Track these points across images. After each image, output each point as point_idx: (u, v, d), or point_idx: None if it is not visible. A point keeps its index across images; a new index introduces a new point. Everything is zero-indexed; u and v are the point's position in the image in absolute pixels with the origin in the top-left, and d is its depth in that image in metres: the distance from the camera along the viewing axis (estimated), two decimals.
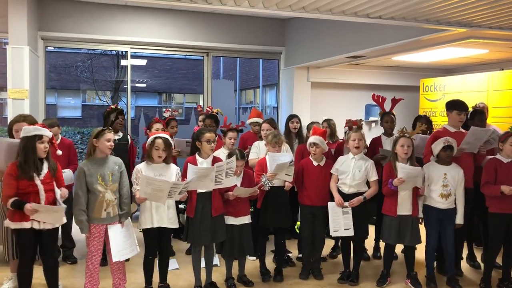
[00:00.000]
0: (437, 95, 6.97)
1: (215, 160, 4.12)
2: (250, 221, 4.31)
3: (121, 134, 5.04)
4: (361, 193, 4.31)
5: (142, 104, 19.87)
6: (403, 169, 4.09)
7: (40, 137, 3.52)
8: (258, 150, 5.01)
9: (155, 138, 3.88)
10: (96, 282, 3.77)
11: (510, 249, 4.26)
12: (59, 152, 3.86)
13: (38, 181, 3.47)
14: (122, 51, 8.14)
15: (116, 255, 3.68)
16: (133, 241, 3.79)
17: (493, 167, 4.14)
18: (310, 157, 4.49)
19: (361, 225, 4.36)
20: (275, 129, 4.95)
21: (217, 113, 5.60)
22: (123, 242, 3.72)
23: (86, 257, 3.77)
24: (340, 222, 4.28)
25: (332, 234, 4.32)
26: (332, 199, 4.36)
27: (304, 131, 5.49)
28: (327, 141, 5.21)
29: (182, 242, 5.17)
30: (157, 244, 3.99)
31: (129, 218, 3.84)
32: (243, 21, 7.58)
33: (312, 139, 4.40)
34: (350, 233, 4.27)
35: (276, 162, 4.21)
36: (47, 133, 3.58)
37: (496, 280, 4.33)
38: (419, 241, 4.31)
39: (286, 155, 4.35)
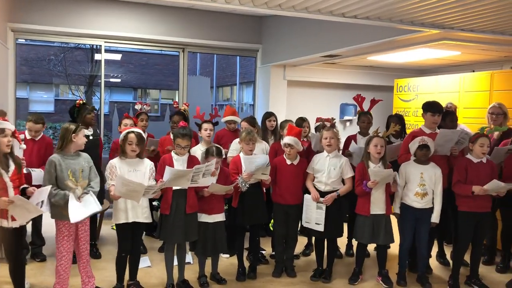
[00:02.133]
0: (411, 95, 7.08)
1: (191, 158, 4.09)
2: (224, 219, 4.28)
3: (92, 130, 4.93)
4: (337, 191, 4.33)
5: (117, 99, 19.56)
6: (374, 173, 4.12)
7: (1, 130, 3.41)
8: (237, 147, 4.98)
9: (128, 132, 3.83)
10: (65, 281, 3.69)
11: (478, 247, 4.36)
12: (23, 146, 3.75)
13: (7, 178, 3.38)
14: (96, 45, 7.99)
15: (73, 216, 3.44)
16: (95, 204, 3.59)
17: (464, 167, 4.21)
18: (284, 155, 4.49)
19: (336, 224, 4.39)
20: (254, 127, 4.93)
21: (184, 110, 5.54)
22: (80, 206, 3.51)
23: (55, 256, 3.68)
24: (312, 215, 4.31)
25: (304, 224, 4.35)
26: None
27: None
28: (301, 140, 5.24)
29: (155, 240, 5.13)
30: (130, 240, 3.93)
31: (94, 196, 3.64)
32: (220, 18, 7.54)
33: (287, 139, 4.39)
34: (320, 228, 4.29)
35: (252, 164, 4.18)
36: (8, 126, 3.47)
37: (464, 277, 4.43)
38: (392, 240, 4.36)
39: (261, 157, 4.31)
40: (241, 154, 4.43)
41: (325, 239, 4.49)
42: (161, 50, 8.38)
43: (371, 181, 4.11)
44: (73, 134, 3.62)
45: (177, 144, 3.97)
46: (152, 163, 3.97)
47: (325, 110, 7.76)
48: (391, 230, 4.32)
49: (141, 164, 3.87)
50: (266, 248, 5.15)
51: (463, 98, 6.08)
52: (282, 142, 4.51)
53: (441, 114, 4.59)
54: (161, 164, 3.94)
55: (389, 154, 4.45)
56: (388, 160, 4.37)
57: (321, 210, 4.28)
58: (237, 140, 5.07)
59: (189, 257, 4.77)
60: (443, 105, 5.34)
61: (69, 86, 18.23)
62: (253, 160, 4.22)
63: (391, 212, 4.33)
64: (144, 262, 4.66)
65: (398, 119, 5.26)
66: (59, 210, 3.55)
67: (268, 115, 5.64)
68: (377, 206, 4.24)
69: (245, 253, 4.97)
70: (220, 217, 4.23)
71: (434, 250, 4.94)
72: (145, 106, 5.57)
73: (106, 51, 7.42)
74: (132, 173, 3.76)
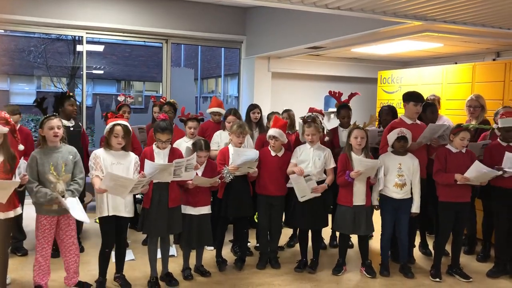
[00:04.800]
0: (394, 87, 7.12)
1: (173, 151, 4.05)
2: (210, 211, 4.27)
3: (73, 122, 4.84)
4: (322, 181, 4.36)
5: (100, 91, 19.33)
6: (360, 162, 4.15)
7: None
8: (219, 140, 4.96)
9: (114, 125, 3.75)
10: (45, 275, 3.65)
11: (459, 237, 4.42)
12: (21, 147, 3.64)
13: None
14: (78, 36, 7.86)
15: (81, 217, 3.50)
16: (81, 212, 3.57)
17: (444, 156, 4.27)
18: (268, 147, 4.49)
19: (320, 215, 4.42)
20: (240, 119, 4.91)
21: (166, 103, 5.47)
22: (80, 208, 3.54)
23: (35, 249, 3.63)
24: (306, 188, 4.25)
25: (300, 199, 4.27)
26: (288, 193, 4.42)
27: (265, 121, 5.48)
28: (286, 132, 5.23)
29: (138, 233, 5.08)
30: (114, 235, 3.88)
31: (76, 198, 3.63)
32: (204, 9, 7.47)
33: (271, 132, 4.39)
34: (318, 194, 4.28)
35: (241, 157, 4.16)
36: None
37: (446, 267, 4.49)
38: (372, 230, 4.43)
39: (251, 152, 4.29)
40: (230, 146, 4.41)
41: (310, 231, 4.51)
42: (144, 42, 8.30)
43: (355, 171, 4.14)
44: (40, 129, 3.57)
45: (158, 139, 3.93)
46: (137, 157, 3.92)
47: (310, 102, 7.75)
48: (371, 221, 4.37)
49: (125, 157, 3.81)
50: (251, 240, 5.15)
51: (446, 90, 6.14)
52: (267, 135, 4.50)
53: (423, 103, 4.63)
54: (143, 157, 3.89)
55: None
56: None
57: (311, 180, 4.24)
58: (219, 132, 5.06)
59: (173, 250, 4.75)
60: (427, 96, 5.40)
61: (50, 78, 17.95)
62: (242, 153, 4.20)
63: (370, 203, 4.36)
64: (128, 255, 4.61)
65: (389, 110, 5.26)
66: (43, 207, 3.53)
67: (253, 107, 5.62)
68: (359, 197, 4.28)
69: (229, 245, 5.00)
70: (205, 210, 4.22)
71: (417, 240, 5.00)
72: (128, 98, 5.50)
73: (88, 42, 7.32)
74: (115, 166, 3.70)
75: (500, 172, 4.13)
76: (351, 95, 5.25)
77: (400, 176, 4.31)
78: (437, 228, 4.54)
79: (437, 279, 4.33)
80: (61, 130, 3.63)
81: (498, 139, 4.44)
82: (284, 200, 4.51)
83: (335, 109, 8.21)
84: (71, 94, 4.86)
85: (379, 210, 4.48)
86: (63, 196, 3.51)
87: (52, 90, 18.14)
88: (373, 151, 4.62)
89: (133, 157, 3.85)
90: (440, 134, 4.54)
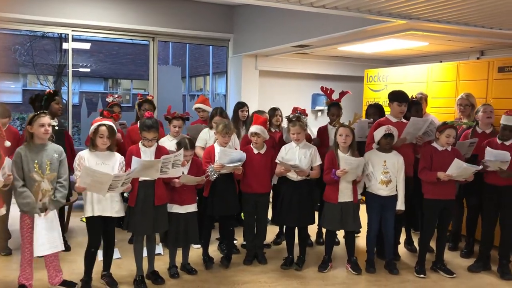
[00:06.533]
0: (380, 85, 7.16)
1: (159, 149, 4.04)
2: (196, 209, 4.27)
3: (57, 121, 4.80)
4: (309, 180, 4.40)
5: (87, 89, 19.15)
6: (346, 160, 4.18)
7: None
8: (207, 137, 4.94)
9: (99, 125, 3.73)
10: (29, 275, 3.63)
11: (443, 233, 4.48)
12: (7, 143, 3.62)
13: None
14: (64, 34, 7.79)
15: (37, 249, 3.47)
16: (57, 236, 3.57)
17: (429, 154, 4.32)
18: (251, 145, 4.50)
19: (307, 212, 4.44)
20: (227, 119, 4.91)
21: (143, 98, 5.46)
22: (46, 235, 3.50)
23: (20, 249, 3.61)
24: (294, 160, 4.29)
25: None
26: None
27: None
28: (274, 130, 5.26)
29: (124, 232, 5.05)
30: (100, 235, 3.87)
31: (55, 211, 3.61)
32: (191, 6, 7.46)
33: (253, 128, 4.41)
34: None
35: (227, 157, 4.16)
36: None
37: (430, 263, 4.55)
38: (360, 226, 4.47)
39: (237, 153, 4.28)
40: (216, 145, 4.41)
41: (296, 228, 4.54)
42: (131, 39, 8.25)
43: (341, 169, 4.16)
44: (29, 126, 3.54)
45: (144, 137, 3.92)
46: (123, 157, 3.90)
47: (297, 100, 7.79)
48: (358, 217, 4.41)
49: (111, 157, 3.79)
50: (238, 237, 5.16)
51: (431, 88, 6.19)
52: (249, 132, 4.52)
53: (407, 103, 4.67)
54: (129, 155, 3.88)
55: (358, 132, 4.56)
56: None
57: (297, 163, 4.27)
58: (206, 130, 5.04)
59: (160, 248, 4.74)
60: (414, 94, 5.44)
61: (37, 76, 17.76)
62: (228, 153, 4.20)
63: (357, 199, 4.39)
64: (114, 253, 4.59)
65: (376, 108, 5.30)
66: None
67: (241, 105, 5.62)
68: (345, 194, 4.31)
69: (216, 243, 5.01)
70: (192, 208, 4.22)
71: (402, 237, 5.05)
72: (116, 98, 5.49)
73: (75, 40, 7.28)
74: (100, 166, 3.67)
75: (481, 167, 4.19)
76: (342, 94, 5.29)
77: (386, 173, 4.35)
78: (422, 225, 4.59)
79: (422, 275, 4.38)
80: (51, 127, 3.61)
81: (497, 137, 4.46)
82: (268, 197, 4.53)
83: (322, 107, 8.28)
84: (56, 92, 4.82)
85: (365, 207, 4.52)
86: (46, 209, 3.51)
87: (38, 88, 17.95)
88: (364, 145, 4.66)
89: (118, 157, 3.84)
90: (424, 130, 4.59)
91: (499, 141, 4.40)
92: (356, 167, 4.21)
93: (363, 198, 4.57)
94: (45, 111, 3.73)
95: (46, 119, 3.57)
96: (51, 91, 4.80)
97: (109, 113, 4.80)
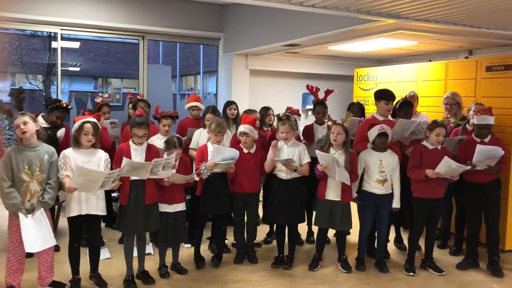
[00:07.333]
0: (370, 84, 7.19)
1: (150, 147, 4.03)
2: (185, 208, 4.26)
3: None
4: (299, 178, 4.40)
5: (77, 88, 18.99)
6: (320, 156, 4.18)
7: None
8: (199, 138, 4.93)
9: (84, 122, 3.70)
10: (18, 275, 3.60)
11: (432, 231, 4.52)
12: None
13: None
14: (53, 33, 7.73)
15: (30, 245, 3.44)
16: (48, 233, 3.54)
17: (419, 153, 4.35)
18: (241, 144, 4.50)
19: (298, 211, 4.46)
20: (219, 117, 4.90)
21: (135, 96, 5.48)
22: (35, 233, 3.47)
23: (7, 250, 3.57)
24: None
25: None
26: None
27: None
28: (265, 129, 5.27)
29: (114, 231, 5.04)
30: (82, 231, 3.84)
31: (42, 209, 3.56)
32: (181, 5, 7.43)
33: (242, 128, 4.41)
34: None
35: (221, 155, 4.15)
36: None
37: (420, 261, 4.58)
38: (350, 227, 4.48)
39: (231, 151, 4.27)
40: (209, 144, 4.40)
41: (286, 227, 4.54)
42: (120, 38, 8.20)
43: (319, 164, 4.17)
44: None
45: (134, 134, 3.90)
46: (107, 154, 3.88)
47: (288, 99, 7.81)
48: (349, 217, 4.40)
49: (95, 154, 3.77)
50: (228, 237, 5.16)
51: (420, 87, 6.23)
52: (238, 131, 4.51)
53: (393, 101, 4.70)
54: (119, 153, 3.86)
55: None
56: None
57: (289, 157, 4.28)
58: (200, 130, 5.03)
59: (150, 247, 4.73)
60: (406, 93, 5.48)
61: (26, 75, 17.59)
62: (222, 151, 4.19)
63: (347, 200, 4.38)
64: (104, 253, 4.58)
65: (358, 108, 5.34)
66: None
67: (229, 103, 5.62)
68: (333, 192, 4.31)
69: (207, 243, 5.00)
70: (180, 207, 4.21)
71: (392, 235, 5.08)
72: (106, 98, 5.46)
73: (64, 39, 7.20)
74: (86, 164, 3.64)
75: (469, 167, 4.23)
76: (328, 92, 5.31)
77: (381, 172, 4.37)
78: (411, 223, 4.63)
79: (411, 273, 4.41)
80: (31, 125, 3.52)
81: (473, 135, 4.53)
82: (258, 196, 4.54)
83: (312, 106, 8.27)
84: (67, 106, 4.80)
85: (359, 206, 4.54)
86: (33, 209, 3.48)
87: (27, 87, 17.78)
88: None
89: (102, 154, 3.82)
90: (412, 130, 4.62)
91: (478, 139, 4.44)
92: (331, 162, 4.15)
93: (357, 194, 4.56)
94: (21, 111, 3.69)
95: (18, 120, 3.50)
96: (64, 104, 4.78)
97: (90, 113, 4.80)
